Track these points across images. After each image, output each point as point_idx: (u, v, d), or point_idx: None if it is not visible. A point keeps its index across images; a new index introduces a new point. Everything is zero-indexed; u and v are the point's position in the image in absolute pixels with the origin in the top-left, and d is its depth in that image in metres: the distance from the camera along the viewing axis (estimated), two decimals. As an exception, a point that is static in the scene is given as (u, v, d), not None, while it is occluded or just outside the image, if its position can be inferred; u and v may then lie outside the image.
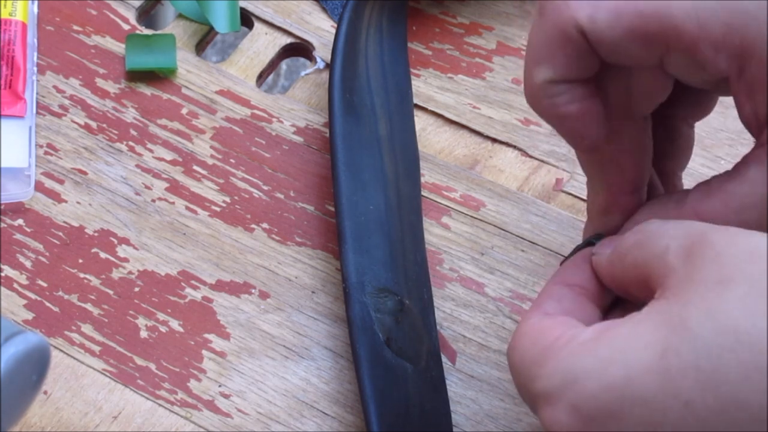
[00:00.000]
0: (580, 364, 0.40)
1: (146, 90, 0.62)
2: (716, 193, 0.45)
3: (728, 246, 0.39)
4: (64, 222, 0.58)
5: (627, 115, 0.48)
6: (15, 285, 0.56)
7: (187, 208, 0.59)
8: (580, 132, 0.46)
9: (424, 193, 0.59)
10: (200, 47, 0.65)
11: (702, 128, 0.60)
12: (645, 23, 0.43)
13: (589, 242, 0.49)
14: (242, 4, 0.65)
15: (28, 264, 0.57)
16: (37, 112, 0.61)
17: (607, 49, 0.44)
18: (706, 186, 0.45)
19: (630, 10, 0.43)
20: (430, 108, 0.62)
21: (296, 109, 0.62)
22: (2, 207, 0.58)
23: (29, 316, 0.55)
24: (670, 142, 0.50)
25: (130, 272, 0.57)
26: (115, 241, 0.58)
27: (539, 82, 0.46)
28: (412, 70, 0.63)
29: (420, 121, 0.62)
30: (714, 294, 0.38)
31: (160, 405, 0.53)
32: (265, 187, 0.59)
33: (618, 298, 0.47)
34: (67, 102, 0.62)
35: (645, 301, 0.42)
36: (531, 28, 0.46)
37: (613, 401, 0.39)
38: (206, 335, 0.55)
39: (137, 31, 0.64)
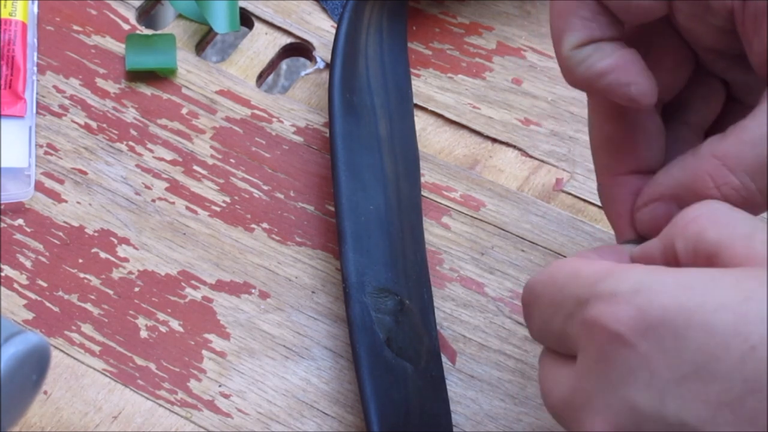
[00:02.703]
0: (658, 279, 0.39)
1: (146, 90, 0.62)
2: (731, 132, 0.44)
3: None
4: (64, 222, 0.58)
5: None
6: (15, 285, 0.56)
7: (187, 208, 0.59)
8: (626, 80, 0.46)
9: (424, 193, 0.59)
10: (200, 47, 0.65)
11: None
12: None
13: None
14: (242, 4, 0.65)
15: (28, 264, 0.57)
16: (37, 112, 0.61)
17: (618, 3, 0.46)
18: (721, 133, 0.45)
19: None
20: (430, 108, 0.62)
21: (296, 109, 0.62)
22: (2, 207, 0.58)
23: (29, 316, 0.55)
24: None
25: (130, 272, 0.57)
26: (115, 241, 0.58)
27: (567, 52, 0.47)
28: (412, 70, 0.63)
29: (420, 121, 0.62)
30: None
31: (160, 405, 0.53)
32: (265, 187, 0.59)
33: None
34: (67, 102, 0.62)
35: None
36: (549, 10, 0.48)
37: (681, 320, 0.38)
38: (206, 335, 0.55)
39: (137, 31, 0.64)
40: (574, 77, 0.47)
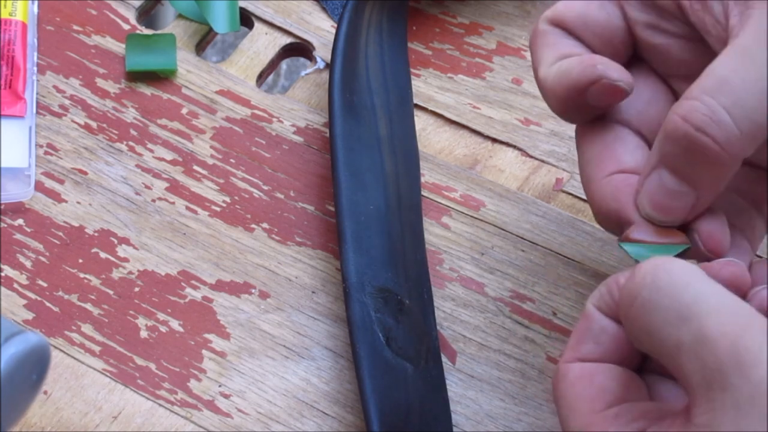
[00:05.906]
0: None
1: (146, 90, 0.62)
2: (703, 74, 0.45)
3: (743, 381, 0.39)
4: (64, 222, 0.58)
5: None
6: (15, 285, 0.56)
7: (187, 208, 0.59)
8: (591, 62, 0.48)
9: (424, 193, 0.59)
10: (200, 47, 0.65)
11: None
12: None
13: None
14: (242, 4, 0.65)
15: (28, 264, 0.57)
16: (37, 112, 0.61)
17: (576, 21, 0.50)
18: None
19: None
20: (430, 108, 0.62)
21: (296, 109, 0.62)
22: (2, 207, 0.58)
23: (29, 316, 0.55)
24: None
25: (130, 272, 0.57)
26: (115, 241, 0.58)
27: (542, 74, 0.49)
28: (412, 70, 0.63)
29: (420, 121, 0.62)
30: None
31: (160, 405, 0.53)
32: (265, 187, 0.60)
33: None
34: (67, 102, 0.62)
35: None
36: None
37: None
38: (206, 335, 0.55)
39: (137, 31, 0.64)
40: (551, 91, 0.49)
